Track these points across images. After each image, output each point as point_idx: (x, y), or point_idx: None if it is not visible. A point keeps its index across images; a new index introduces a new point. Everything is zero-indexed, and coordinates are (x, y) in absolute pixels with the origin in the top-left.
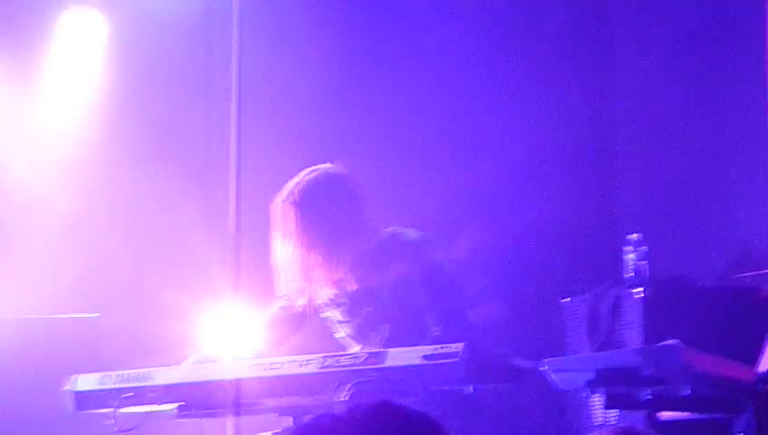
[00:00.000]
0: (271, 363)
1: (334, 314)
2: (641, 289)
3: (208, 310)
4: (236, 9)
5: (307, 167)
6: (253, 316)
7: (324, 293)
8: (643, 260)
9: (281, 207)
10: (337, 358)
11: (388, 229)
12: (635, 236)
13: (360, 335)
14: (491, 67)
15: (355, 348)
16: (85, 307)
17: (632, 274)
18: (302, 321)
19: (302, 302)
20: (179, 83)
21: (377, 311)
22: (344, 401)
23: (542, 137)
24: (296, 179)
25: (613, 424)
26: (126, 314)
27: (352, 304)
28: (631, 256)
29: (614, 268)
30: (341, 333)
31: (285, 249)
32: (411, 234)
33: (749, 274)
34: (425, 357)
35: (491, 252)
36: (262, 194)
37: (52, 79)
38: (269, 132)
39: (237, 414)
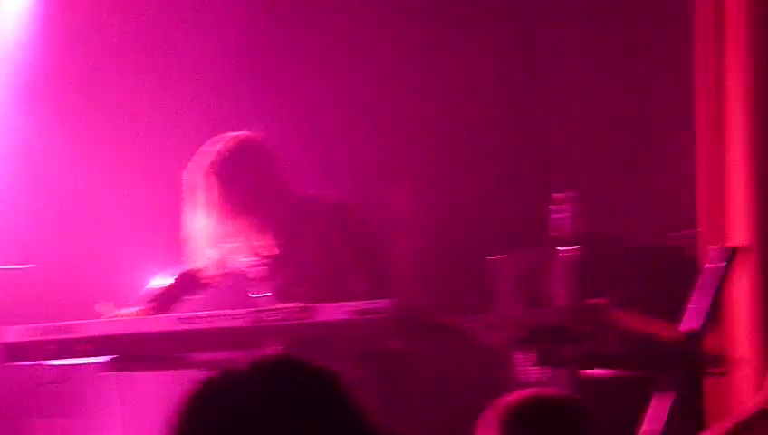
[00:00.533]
0: (202, 317)
1: (253, 276)
2: (569, 247)
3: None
4: None
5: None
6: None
7: (245, 259)
8: (571, 219)
9: (200, 178)
10: (268, 312)
11: (308, 193)
12: (564, 194)
13: (281, 297)
14: (414, 21)
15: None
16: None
17: (560, 232)
18: (204, 287)
19: (216, 272)
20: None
21: (298, 272)
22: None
23: (474, 88)
24: (211, 148)
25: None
26: (59, 267)
27: (273, 268)
28: (559, 214)
29: (542, 226)
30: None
31: (204, 220)
32: (331, 196)
33: (674, 234)
34: (355, 312)
35: (419, 208)
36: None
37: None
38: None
39: (166, 368)
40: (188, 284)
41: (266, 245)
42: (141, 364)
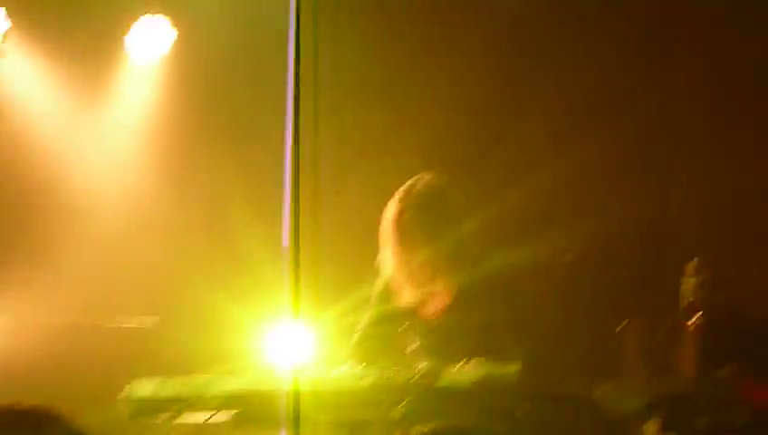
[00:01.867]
0: (325, 376)
1: (420, 337)
2: (698, 316)
3: (267, 323)
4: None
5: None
6: (310, 330)
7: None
8: (701, 287)
9: (397, 219)
10: (395, 372)
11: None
12: (694, 262)
13: (437, 352)
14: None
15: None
16: (143, 314)
17: (690, 300)
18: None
19: (422, 309)
20: (242, 89)
21: (461, 344)
22: (398, 418)
23: (605, 156)
24: (406, 189)
25: None
26: (184, 324)
27: (443, 329)
28: (690, 282)
29: (673, 295)
30: (415, 345)
31: (404, 258)
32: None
33: None
34: (481, 377)
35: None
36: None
37: (123, 83)
38: (332, 141)
39: (294, 427)
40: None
41: (446, 303)
42: (268, 421)
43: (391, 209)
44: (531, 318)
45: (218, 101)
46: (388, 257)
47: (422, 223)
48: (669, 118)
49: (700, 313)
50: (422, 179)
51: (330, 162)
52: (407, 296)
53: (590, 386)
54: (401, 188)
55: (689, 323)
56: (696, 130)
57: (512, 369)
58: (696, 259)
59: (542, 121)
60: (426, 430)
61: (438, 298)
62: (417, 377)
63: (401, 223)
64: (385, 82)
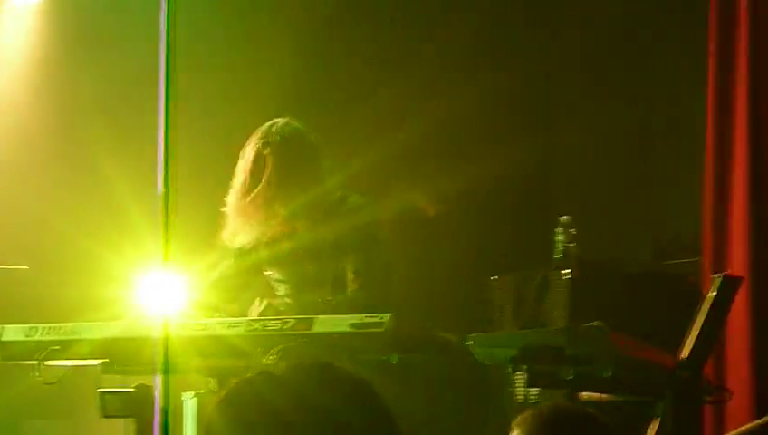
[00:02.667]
0: (198, 324)
1: (275, 272)
2: (568, 271)
3: (137, 271)
4: None
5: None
6: (184, 277)
7: (272, 247)
8: (572, 242)
9: (254, 153)
10: (264, 322)
11: (337, 191)
12: (565, 217)
13: (298, 294)
14: (429, 19)
15: (292, 306)
16: (14, 259)
17: (560, 255)
18: (251, 279)
19: (249, 253)
20: (109, 42)
21: (316, 271)
22: (270, 365)
23: (479, 106)
24: (268, 128)
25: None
26: (55, 270)
27: (294, 262)
28: (560, 237)
29: (543, 248)
30: (281, 291)
31: (249, 197)
32: (358, 198)
33: (675, 261)
34: (352, 325)
35: (423, 221)
36: (192, 154)
37: None
38: (202, 90)
39: (162, 373)
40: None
41: (295, 235)
42: (137, 368)
43: (248, 152)
44: (393, 268)
45: (93, 48)
46: (239, 197)
47: (280, 167)
48: (547, 75)
49: (572, 266)
50: (279, 123)
51: (200, 108)
52: (265, 239)
53: (461, 337)
54: (258, 131)
55: (559, 276)
56: (576, 89)
57: (384, 317)
58: (566, 215)
59: (417, 72)
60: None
61: (298, 242)
62: (289, 325)
63: (258, 166)
64: (249, 33)
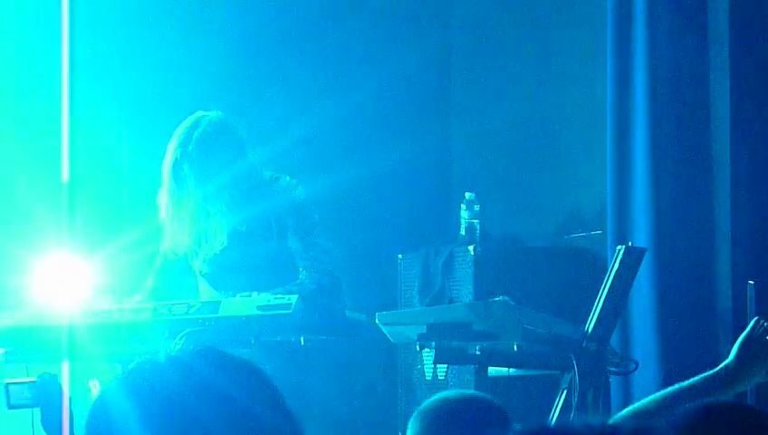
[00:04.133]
0: (102, 311)
1: (203, 256)
2: (473, 247)
3: (40, 259)
4: None
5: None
6: (85, 265)
7: (212, 247)
8: (476, 218)
9: (174, 166)
10: (170, 307)
11: (266, 173)
12: (469, 194)
13: (223, 278)
14: (336, 18)
15: (213, 293)
16: None
17: (465, 232)
18: (185, 274)
19: (181, 254)
20: (8, 22)
21: (245, 253)
22: (176, 350)
23: (380, 90)
24: (186, 129)
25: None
26: None
27: (226, 247)
28: (465, 213)
29: (447, 225)
30: (204, 282)
31: (175, 203)
32: (288, 179)
33: (578, 235)
34: (258, 308)
35: (332, 202)
36: (95, 142)
37: None
38: (103, 79)
39: (67, 360)
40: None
41: (226, 222)
42: (41, 356)
43: (170, 153)
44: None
45: None
46: (167, 199)
47: (198, 169)
48: (447, 58)
49: (477, 242)
50: (199, 125)
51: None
52: (183, 236)
53: (370, 316)
54: (181, 129)
55: (465, 252)
56: (478, 69)
57: (292, 299)
58: (470, 192)
59: (320, 61)
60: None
61: (215, 237)
62: (194, 309)
63: (180, 175)
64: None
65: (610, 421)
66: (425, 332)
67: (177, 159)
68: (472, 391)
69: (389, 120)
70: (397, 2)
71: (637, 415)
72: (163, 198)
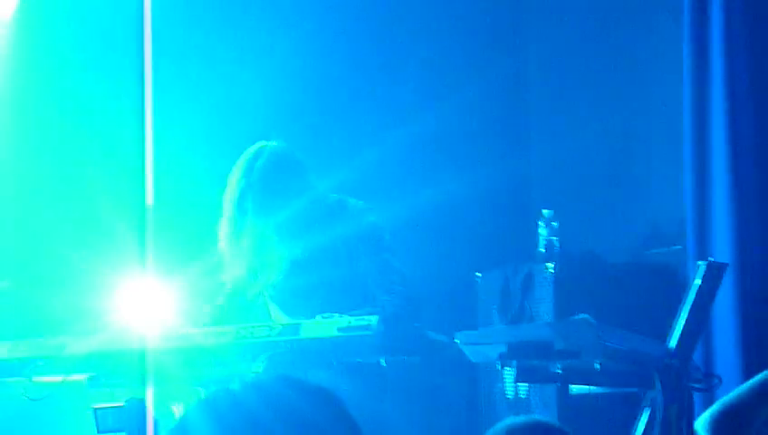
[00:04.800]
0: (184, 334)
1: (272, 281)
2: (552, 264)
3: (122, 283)
4: None
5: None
6: (166, 288)
7: (273, 273)
8: (555, 236)
9: (238, 192)
10: (251, 329)
11: (332, 196)
12: (547, 212)
13: (291, 301)
14: (412, 37)
15: (284, 317)
16: None
17: (544, 249)
18: (249, 309)
19: (249, 288)
20: (92, 51)
21: (315, 277)
22: (258, 373)
23: (459, 110)
24: (248, 160)
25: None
26: (37, 285)
27: (294, 272)
28: (543, 231)
29: (526, 243)
30: (275, 307)
31: (238, 234)
32: (356, 202)
33: (659, 251)
34: (339, 329)
35: (409, 223)
36: (176, 167)
37: None
38: (187, 103)
39: (150, 385)
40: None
41: (290, 250)
42: (124, 381)
43: (233, 184)
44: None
45: (69, 62)
46: (228, 229)
47: (261, 199)
48: (526, 76)
49: (557, 259)
50: (261, 155)
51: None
52: (241, 267)
53: (449, 336)
54: (242, 160)
55: (544, 270)
56: (556, 87)
57: (372, 320)
58: (548, 210)
59: (406, 83)
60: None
61: (276, 265)
62: (276, 331)
63: (243, 206)
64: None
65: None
66: (505, 351)
67: (240, 190)
68: (538, 417)
69: (469, 139)
70: (475, 26)
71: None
72: (224, 228)
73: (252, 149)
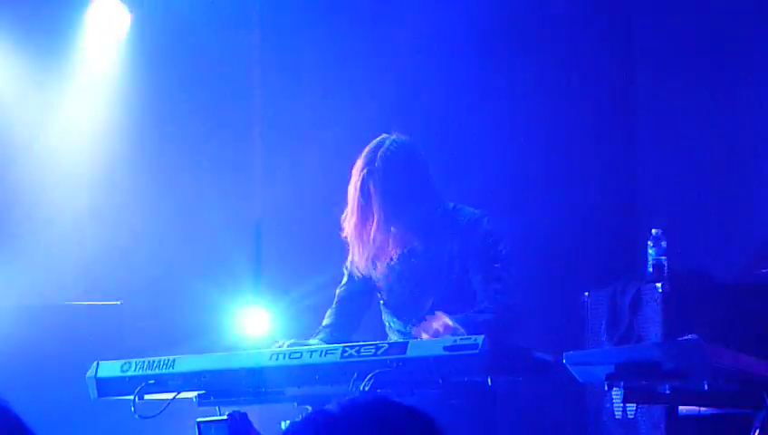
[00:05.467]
0: (292, 353)
1: (386, 285)
2: (661, 284)
3: (233, 299)
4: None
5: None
6: (276, 305)
7: (386, 264)
8: (663, 255)
9: (359, 181)
10: (357, 348)
11: (449, 203)
12: (656, 230)
13: (402, 305)
14: (522, 53)
15: (397, 322)
16: (108, 294)
17: (652, 268)
18: (369, 300)
19: (365, 274)
20: (204, 74)
21: (426, 283)
22: (365, 392)
23: (568, 128)
24: (372, 152)
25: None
26: (148, 302)
27: (406, 273)
28: (652, 250)
29: (635, 263)
30: (382, 302)
31: (361, 221)
32: (472, 210)
33: None
34: (445, 348)
35: (519, 239)
36: (285, 184)
37: (78, 70)
38: (293, 124)
39: (258, 403)
40: (356, 299)
41: (410, 251)
42: (233, 399)
43: (355, 173)
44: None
45: (182, 84)
46: (353, 217)
47: (385, 193)
48: (633, 91)
49: (662, 281)
50: (383, 146)
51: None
52: (365, 255)
53: (557, 356)
54: (366, 150)
55: (653, 290)
56: (661, 103)
57: (479, 339)
58: (657, 229)
59: (515, 98)
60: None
61: (393, 257)
62: (382, 350)
63: (365, 194)
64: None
65: None
66: (613, 371)
67: (363, 177)
68: None
69: (576, 157)
70: (582, 43)
71: None
72: (349, 216)
73: (375, 140)
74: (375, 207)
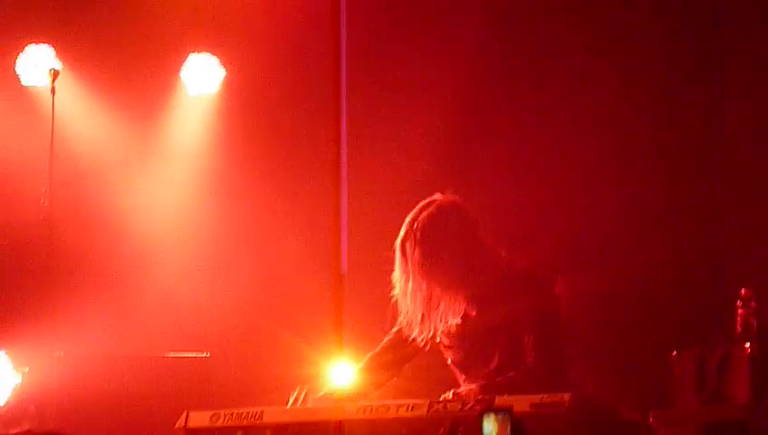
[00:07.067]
0: (379, 406)
1: (447, 342)
2: (749, 344)
3: (317, 351)
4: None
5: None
6: (361, 358)
7: (443, 325)
8: (753, 315)
9: (401, 246)
10: (444, 403)
11: (505, 259)
12: (744, 290)
13: (468, 364)
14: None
15: (460, 377)
16: (196, 346)
17: (741, 328)
18: (415, 351)
19: (421, 337)
20: (291, 128)
21: (488, 341)
22: None
23: (655, 184)
24: (413, 215)
25: None
26: (236, 356)
27: (466, 333)
28: (740, 310)
29: (723, 323)
30: (449, 360)
31: (407, 285)
32: (530, 268)
33: None
34: (532, 405)
35: (606, 298)
36: (370, 235)
37: (174, 121)
38: (376, 174)
39: None
40: (402, 351)
41: (464, 309)
42: None
43: (401, 232)
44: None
45: (269, 135)
46: (397, 276)
47: (420, 247)
48: (719, 147)
49: (751, 341)
50: (425, 211)
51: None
52: (411, 314)
53: (643, 415)
54: (413, 211)
55: (741, 350)
56: (749, 169)
57: (565, 396)
58: (746, 288)
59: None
60: None
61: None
62: (469, 405)
63: (404, 245)
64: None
65: None
66: (701, 432)
67: (402, 237)
68: None
69: (661, 215)
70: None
71: None
72: (396, 275)
73: (424, 201)
74: (412, 268)
